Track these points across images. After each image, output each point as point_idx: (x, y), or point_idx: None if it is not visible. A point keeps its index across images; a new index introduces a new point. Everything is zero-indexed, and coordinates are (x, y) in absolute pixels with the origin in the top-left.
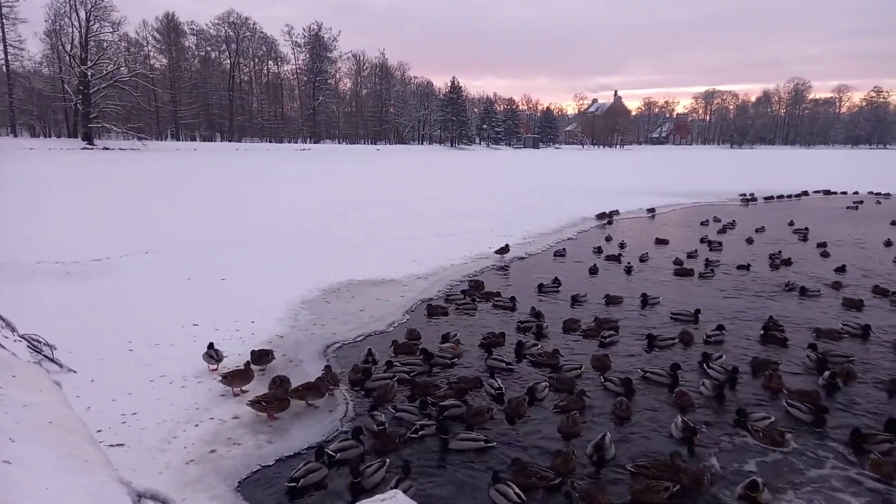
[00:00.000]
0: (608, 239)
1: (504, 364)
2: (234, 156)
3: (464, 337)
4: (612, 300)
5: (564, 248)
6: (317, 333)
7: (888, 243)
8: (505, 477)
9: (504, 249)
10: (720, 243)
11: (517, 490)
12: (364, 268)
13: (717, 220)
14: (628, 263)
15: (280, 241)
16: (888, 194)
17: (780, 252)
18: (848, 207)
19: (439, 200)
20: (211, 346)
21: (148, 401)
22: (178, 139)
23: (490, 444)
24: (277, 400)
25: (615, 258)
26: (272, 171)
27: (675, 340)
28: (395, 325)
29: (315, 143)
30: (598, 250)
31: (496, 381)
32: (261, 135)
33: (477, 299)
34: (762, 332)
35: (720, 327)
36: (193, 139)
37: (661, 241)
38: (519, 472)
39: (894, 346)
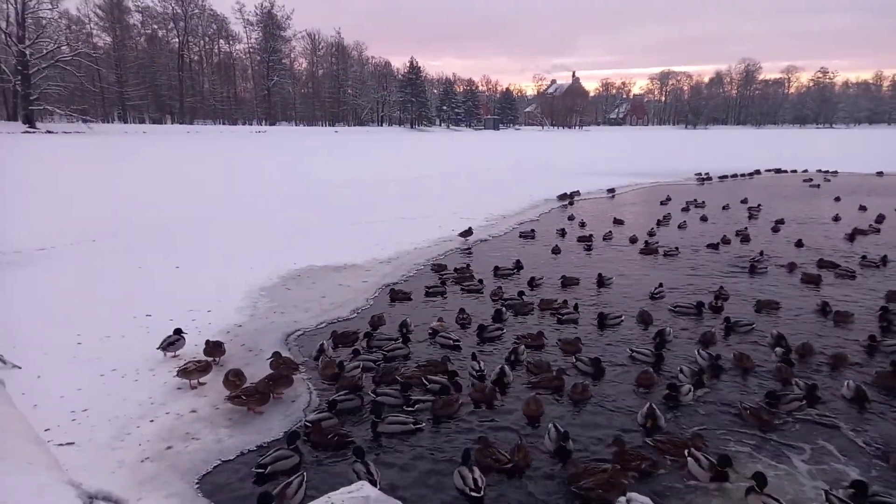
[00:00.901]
0: (571, 218)
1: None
2: (185, 139)
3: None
4: (568, 281)
5: (533, 230)
6: (277, 321)
7: (836, 218)
8: (472, 460)
9: (467, 232)
10: (685, 222)
11: (477, 476)
12: (324, 253)
13: (691, 203)
14: (588, 240)
15: (237, 226)
16: (835, 172)
17: (745, 229)
18: (810, 185)
19: (400, 183)
20: (178, 331)
21: (99, 396)
22: (125, 121)
23: (418, 427)
24: (259, 393)
25: (586, 239)
26: (225, 155)
27: (621, 318)
28: (359, 311)
29: (270, 125)
30: (563, 232)
31: (478, 363)
32: (213, 116)
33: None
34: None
35: (661, 284)
36: (142, 121)
37: (618, 222)
38: (480, 451)
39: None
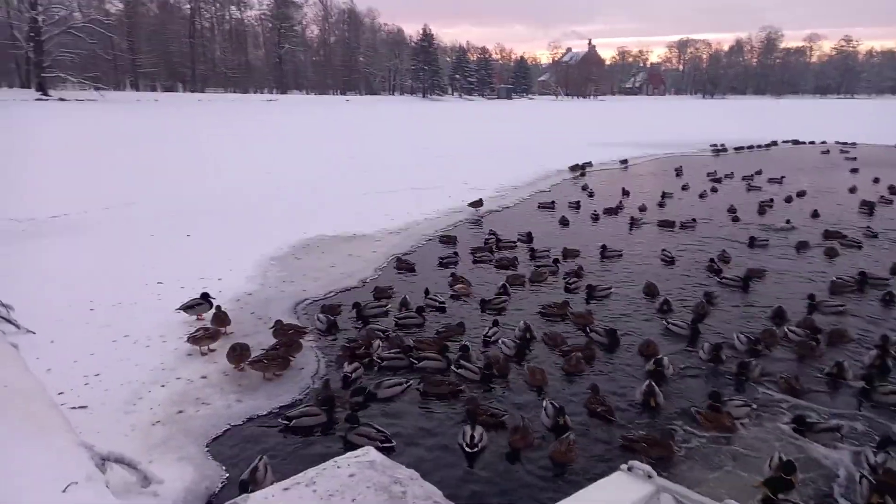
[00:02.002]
0: (584, 188)
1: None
2: (197, 107)
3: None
4: (569, 253)
5: (553, 201)
6: (287, 290)
7: (853, 190)
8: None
9: (478, 203)
10: (706, 191)
11: (477, 433)
12: (335, 223)
13: (712, 175)
14: (594, 213)
15: (248, 196)
16: (854, 143)
17: (771, 200)
18: (846, 157)
19: (411, 153)
20: (206, 296)
21: (111, 361)
22: (137, 89)
23: (409, 384)
24: (280, 358)
25: (613, 211)
26: (238, 124)
27: (609, 289)
28: (367, 280)
29: (282, 93)
30: (577, 204)
31: (492, 330)
32: (224, 84)
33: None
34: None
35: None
36: (154, 89)
37: (626, 193)
38: (471, 411)
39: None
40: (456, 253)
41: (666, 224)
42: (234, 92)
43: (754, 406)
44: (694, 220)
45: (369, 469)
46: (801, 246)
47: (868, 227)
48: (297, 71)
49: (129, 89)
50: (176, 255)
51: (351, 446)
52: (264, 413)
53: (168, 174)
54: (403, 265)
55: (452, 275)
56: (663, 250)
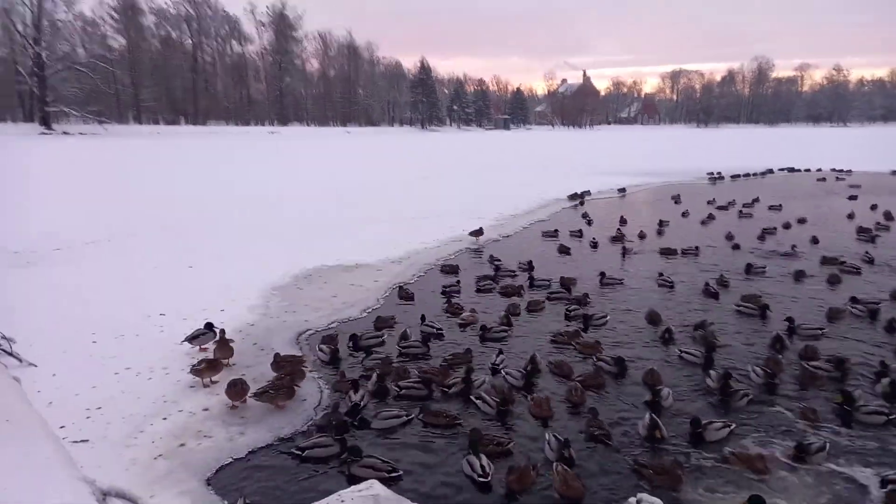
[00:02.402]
0: (584, 216)
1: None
2: (199, 140)
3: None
4: (566, 282)
5: (556, 229)
6: (288, 321)
7: (851, 216)
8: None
9: (478, 232)
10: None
11: (485, 462)
12: (336, 252)
13: (712, 202)
14: (593, 240)
15: (249, 226)
16: (849, 171)
17: (774, 228)
18: (850, 185)
19: (411, 183)
20: (210, 325)
21: (113, 394)
22: (140, 122)
23: (410, 418)
24: (286, 387)
25: (618, 239)
26: (239, 156)
27: (605, 317)
28: (369, 310)
29: (283, 125)
30: (579, 233)
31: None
32: (226, 118)
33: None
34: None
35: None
36: (156, 122)
37: (623, 222)
38: (474, 441)
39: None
40: (458, 281)
41: (668, 252)
42: (236, 124)
43: (733, 425)
44: (696, 247)
45: (373, 503)
46: (799, 275)
47: (866, 252)
48: (297, 104)
49: (132, 122)
50: (178, 285)
51: (355, 480)
52: (268, 444)
53: (171, 205)
54: (405, 294)
55: (448, 301)
56: (660, 274)
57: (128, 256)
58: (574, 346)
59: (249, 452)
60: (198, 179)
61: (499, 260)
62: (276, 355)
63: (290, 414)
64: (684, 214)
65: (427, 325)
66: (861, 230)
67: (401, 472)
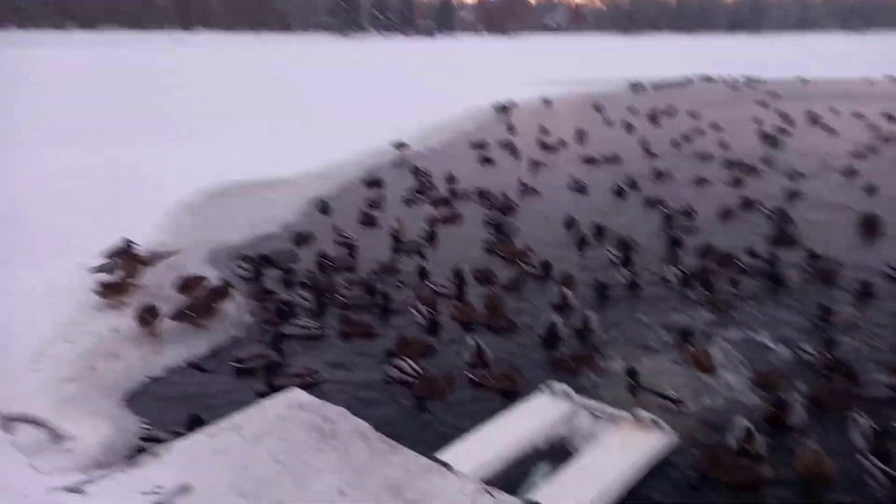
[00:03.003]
0: (510, 128)
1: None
2: (86, 50)
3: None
4: (483, 193)
5: (486, 141)
6: (203, 239)
7: (757, 121)
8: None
9: (402, 145)
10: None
11: (411, 363)
12: (252, 167)
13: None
14: (516, 149)
15: (156, 137)
16: (764, 79)
17: (689, 136)
18: (756, 91)
19: (330, 93)
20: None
21: (12, 318)
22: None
23: (319, 333)
24: (205, 307)
25: (547, 147)
26: (138, 65)
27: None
28: (288, 227)
29: (184, 30)
30: (509, 145)
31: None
32: (120, 22)
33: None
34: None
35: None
36: (38, 27)
37: (545, 131)
38: (398, 344)
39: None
40: (383, 196)
41: (589, 160)
42: (132, 30)
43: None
44: (616, 154)
45: (297, 409)
46: (701, 180)
47: (767, 157)
48: (204, 7)
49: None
50: (81, 203)
51: (276, 390)
52: (184, 364)
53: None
54: (324, 208)
55: (366, 214)
56: (575, 181)
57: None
58: (501, 253)
59: (168, 372)
60: (91, 88)
61: (425, 173)
62: (184, 277)
63: (208, 333)
64: (609, 123)
65: (343, 236)
66: (765, 136)
67: (323, 379)
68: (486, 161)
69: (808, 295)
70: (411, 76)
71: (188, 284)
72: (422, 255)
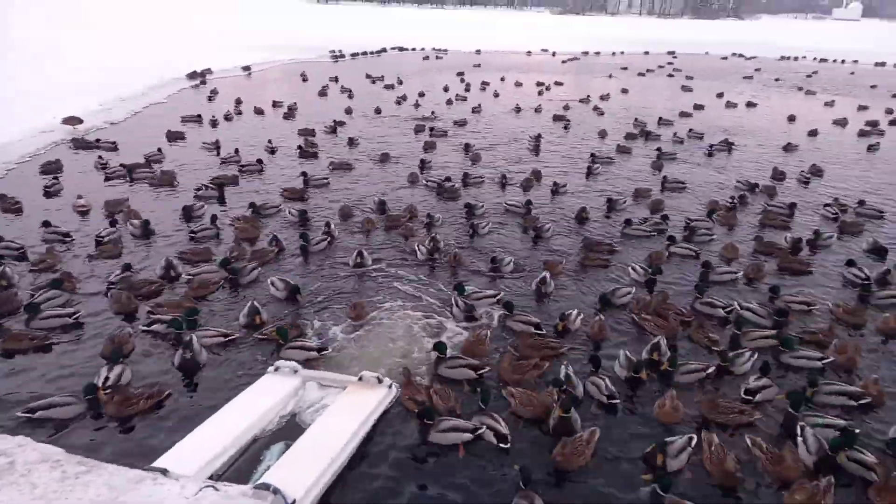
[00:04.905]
0: (210, 99)
1: None
2: None
3: None
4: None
5: (199, 114)
6: None
7: (446, 89)
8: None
9: (75, 119)
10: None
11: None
12: None
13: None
14: (213, 118)
15: None
16: (446, 50)
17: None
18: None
19: None
20: None
21: None
22: None
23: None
24: None
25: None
26: None
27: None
28: None
29: None
30: (198, 118)
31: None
32: None
33: None
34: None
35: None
36: None
37: (277, 104)
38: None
39: None
40: (56, 179)
41: (306, 132)
42: None
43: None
44: (336, 121)
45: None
46: (385, 157)
47: (456, 120)
48: None
49: None
50: None
51: None
52: None
53: None
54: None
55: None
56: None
57: None
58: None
59: None
60: None
61: (110, 143)
62: None
63: None
64: (322, 94)
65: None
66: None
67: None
68: (174, 138)
69: None
70: (80, 36)
71: None
72: None
